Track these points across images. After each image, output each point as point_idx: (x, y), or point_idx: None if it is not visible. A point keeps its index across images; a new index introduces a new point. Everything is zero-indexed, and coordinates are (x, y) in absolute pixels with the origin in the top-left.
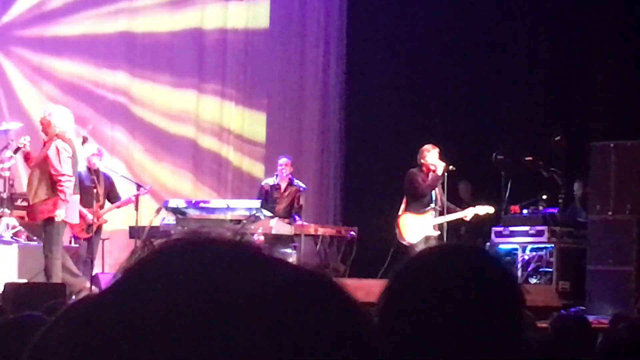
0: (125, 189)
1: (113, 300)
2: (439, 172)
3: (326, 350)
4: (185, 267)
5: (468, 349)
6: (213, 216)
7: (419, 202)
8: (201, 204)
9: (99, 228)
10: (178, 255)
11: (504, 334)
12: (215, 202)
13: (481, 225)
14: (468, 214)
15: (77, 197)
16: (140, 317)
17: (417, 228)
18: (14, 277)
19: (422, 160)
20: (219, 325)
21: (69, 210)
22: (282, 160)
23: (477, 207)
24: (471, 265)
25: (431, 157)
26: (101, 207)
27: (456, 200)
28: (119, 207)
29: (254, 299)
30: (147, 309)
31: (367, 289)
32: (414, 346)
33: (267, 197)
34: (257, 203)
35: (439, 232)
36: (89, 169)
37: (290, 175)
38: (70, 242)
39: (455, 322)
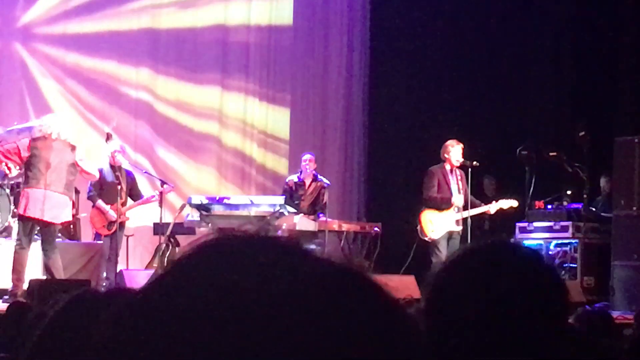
0: (149, 186)
1: (155, 297)
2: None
3: (367, 347)
4: (227, 263)
5: (516, 349)
6: (237, 212)
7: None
8: (225, 201)
9: (122, 225)
10: (219, 252)
11: (551, 333)
12: (239, 199)
13: (505, 220)
14: (492, 208)
15: (35, 191)
16: (183, 314)
17: (439, 224)
18: (38, 274)
19: (446, 155)
20: (260, 320)
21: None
22: (306, 157)
23: (501, 201)
24: (516, 263)
25: (454, 152)
26: (123, 204)
27: (481, 196)
28: (141, 204)
29: (294, 295)
30: (189, 305)
31: (391, 285)
32: (461, 347)
33: (292, 194)
34: (281, 199)
35: (461, 227)
36: (112, 166)
37: (314, 172)
38: (93, 239)
39: (502, 321)
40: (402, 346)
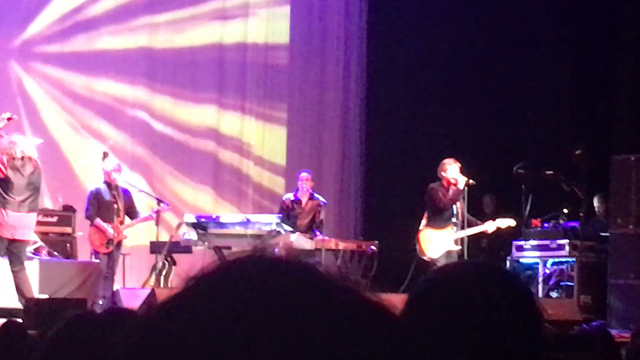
0: (145, 205)
1: (169, 318)
2: (460, 186)
3: None
4: (250, 283)
5: None
6: (233, 231)
7: (440, 216)
8: (221, 219)
9: (119, 243)
10: (244, 271)
11: (524, 352)
12: (236, 217)
13: (502, 239)
14: (489, 227)
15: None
16: (196, 336)
17: (437, 243)
18: (35, 293)
19: (443, 174)
20: (279, 342)
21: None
22: (303, 175)
23: (499, 220)
24: (489, 284)
25: (452, 171)
26: (121, 222)
27: (480, 214)
28: (139, 222)
29: (313, 319)
30: (202, 327)
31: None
32: None
33: (289, 213)
34: (277, 218)
35: (460, 247)
36: (108, 184)
37: (310, 190)
38: (90, 258)
39: (474, 339)
40: None
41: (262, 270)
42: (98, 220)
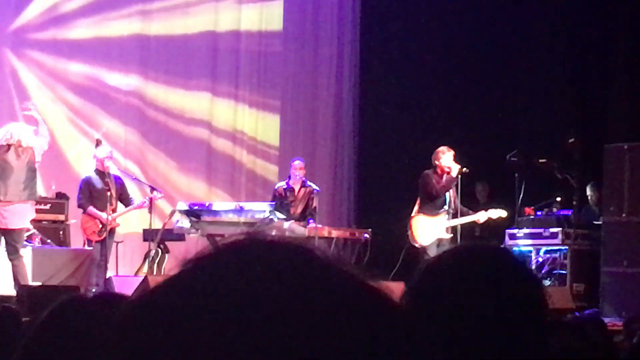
0: (138, 192)
1: (166, 298)
2: (454, 174)
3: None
4: (249, 265)
5: (491, 352)
6: (226, 219)
7: (432, 204)
8: (214, 207)
9: (112, 231)
10: (242, 253)
11: (527, 336)
12: (229, 205)
13: (495, 227)
14: (481, 217)
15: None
16: (193, 317)
17: (429, 230)
18: (28, 280)
19: (437, 162)
20: (277, 324)
21: None
22: (296, 163)
23: (490, 210)
24: (494, 267)
25: (446, 159)
26: (113, 210)
27: (473, 202)
28: (132, 210)
29: (312, 302)
30: (200, 308)
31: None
32: (437, 351)
33: (282, 201)
34: (270, 206)
35: (451, 235)
36: (100, 172)
37: (303, 178)
38: (84, 245)
39: (478, 324)
40: (402, 348)
41: (261, 252)
42: (91, 208)
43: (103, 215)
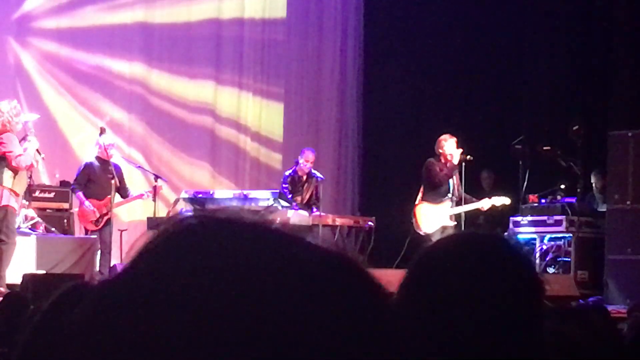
0: (142, 181)
1: (129, 283)
2: (455, 160)
3: (345, 332)
4: (202, 246)
5: (487, 339)
6: (231, 207)
7: (436, 191)
8: (218, 195)
9: (108, 220)
10: (194, 234)
11: (523, 324)
12: (233, 193)
13: (499, 215)
14: (485, 204)
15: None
16: (157, 299)
17: (433, 218)
18: (32, 269)
19: (440, 150)
20: (237, 305)
21: None
22: (309, 155)
23: (494, 197)
24: (489, 254)
25: (449, 146)
26: (110, 199)
27: (477, 190)
28: (130, 201)
29: (275, 280)
30: (163, 289)
31: (384, 279)
32: (432, 337)
33: (293, 187)
34: (274, 193)
35: (455, 223)
36: (102, 159)
37: (310, 167)
38: (86, 234)
39: (474, 312)
40: (389, 339)
41: (211, 232)
42: (80, 193)
43: (87, 203)
